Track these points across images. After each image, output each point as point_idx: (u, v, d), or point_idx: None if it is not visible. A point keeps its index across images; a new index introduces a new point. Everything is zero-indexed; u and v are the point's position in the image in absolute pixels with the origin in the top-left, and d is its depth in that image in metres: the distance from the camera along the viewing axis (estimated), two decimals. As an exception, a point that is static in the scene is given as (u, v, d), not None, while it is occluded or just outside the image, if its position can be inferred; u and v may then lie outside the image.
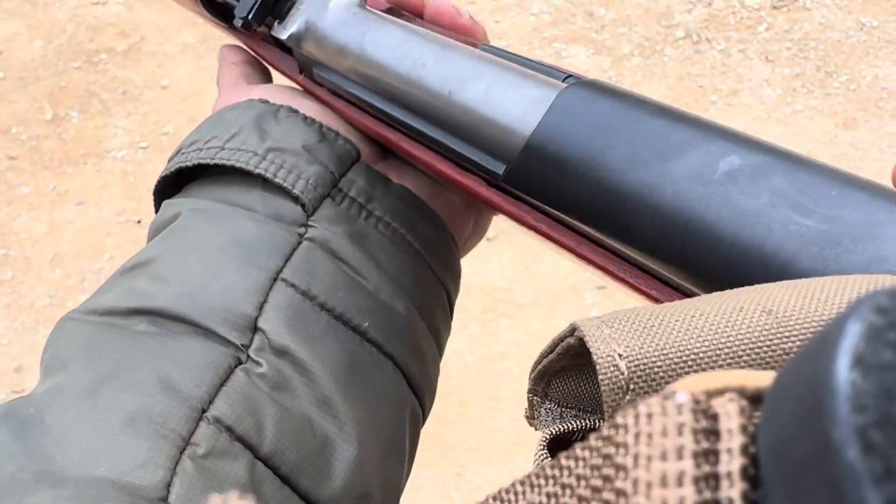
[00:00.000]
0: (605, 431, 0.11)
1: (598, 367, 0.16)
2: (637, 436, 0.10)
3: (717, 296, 0.17)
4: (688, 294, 0.24)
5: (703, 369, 0.16)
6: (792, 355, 0.13)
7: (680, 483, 0.10)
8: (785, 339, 0.15)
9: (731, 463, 0.10)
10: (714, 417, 0.10)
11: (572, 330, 0.18)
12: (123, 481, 0.27)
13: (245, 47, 0.45)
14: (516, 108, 0.29)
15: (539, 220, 0.30)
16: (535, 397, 0.22)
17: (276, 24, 0.41)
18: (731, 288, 0.22)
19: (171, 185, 0.39)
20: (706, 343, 0.16)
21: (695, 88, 1.68)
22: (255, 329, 0.32)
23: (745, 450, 0.10)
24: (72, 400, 0.29)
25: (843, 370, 0.09)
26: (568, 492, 0.11)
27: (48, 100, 1.77)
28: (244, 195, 0.36)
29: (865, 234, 0.20)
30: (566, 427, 0.21)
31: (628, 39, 1.79)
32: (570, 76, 0.30)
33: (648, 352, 0.16)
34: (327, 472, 0.31)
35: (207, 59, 1.81)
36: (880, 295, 0.09)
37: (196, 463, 0.28)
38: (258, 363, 0.31)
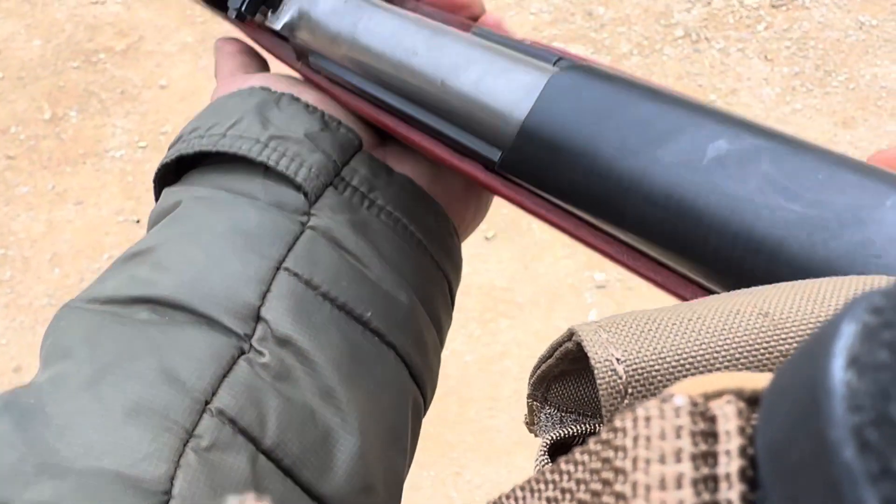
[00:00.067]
0: (603, 435, 0.11)
1: (596, 371, 0.16)
2: (635, 439, 0.10)
3: (713, 299, 0.17)
4: (685, 276, 0.24)
5: (701, 372, 0.16)
6: (789, 356, 0.13)
7: (679, 485, 0.10)
8: (781, 342, 0.15)
9: (730, 465, 0.10)
10: (712, 420, 0.10)
11: (570, 335, 0.18)
12: (127, 474, 0.27)
13: (243, 36, 0.45)
14: (508, 95, 0.29)
15: (538, 204, 0.30)
16: (535, 402, 0.22)
17: (269, 13, 0.41)
18: (726, 272, 0.22)
19: (172, 172, 0.39)
20: (703, 346, 0.16)
21: (694, 87, 1.69)
22: (257, 318, 0.32)
23: (743, 451, 0.10)
24: (73, 390, 0.29)
25: (839, 370, 0.09)
26: (568, 496, 0.11)
27: (47, 99, 1.77)
28: (246, 183, 0.35)
29: (852, 218, 0.20)
30: (566, 432, 0.21)
31: (627, 38, 1.79)
32: (560, 59, 0.30)
33: (646, 356, 0.16)
34: (329, 464, 0.31)
35: (206, 59, 1.81)
36: (875, 295, 0.09)
37: (200, 456, 0.28)
38: (261, 353, 0.31)
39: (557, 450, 0.21)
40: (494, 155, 0.30)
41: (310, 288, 0.33)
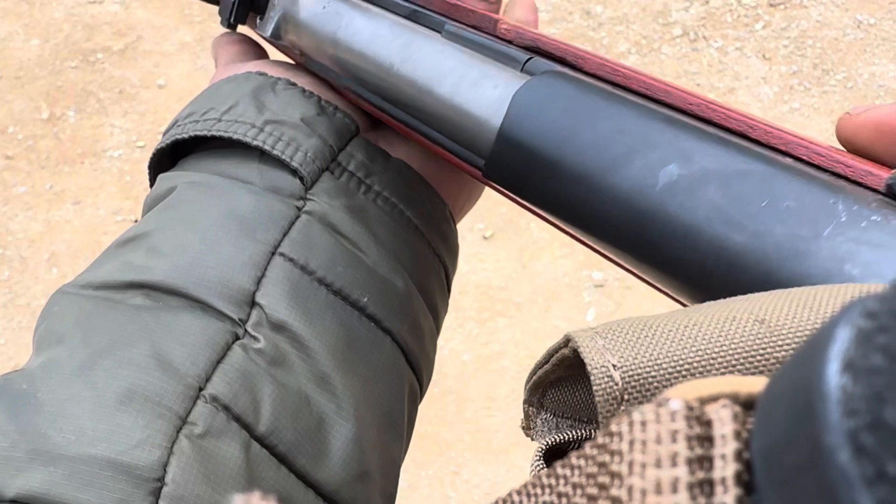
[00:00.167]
0: (599, 440, 0.11)
1: (592, 377, 0.16)
2: (631, 443, 0.10)
3: (708, 305, 0.17)
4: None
5: (697, 378, 0.16)
6: (785, 361, 0.13)
7: (675, 490, 0.10)
8: (778, 348, 0.15)
9: (726, 469, 0.10)
10: (707, 424, 0.10)
11: (566, 341, 0.18)
12: (119, 460, 0.27)
13: (244, 29, 0.46)
14: (481, 110, 0.30)
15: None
16: (531, 408, 0.22)
17: (258, 19, 0.41)
18: (690, 294, 0.23)
19: (167, 158, 0.38)
20: (699, 352, 0.16)
21: (692, 87, 1.68)
22: (252, 304, 0.31)
23: (738, 455, 0.10)
24: (66, 376, 0.29)
25: (834, 375, 0.09)
26: (564, 500, 0.11)
27: (45, 99, 1.77)
28: (241, 168, 0.35)
29: (791, 251, 0.20)
30: (562, 437, 0.21)
31: (625, 37, 1.79)
32: (530, 58, 0.29)
33: (642, 362, 0.16)
34: (325, 451, 0.31)
35: (204, 59, 1.81)
36: (869, 300, 0.09)
37: (193, 443, 0.28)
38: (256, 338, 0.31)
39: (553, 454, 0.21)
40: (479, 162, 0.30)
41: (305, 273, 0.33)
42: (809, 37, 1.74)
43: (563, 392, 0.22)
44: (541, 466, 0.20)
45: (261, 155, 0.35)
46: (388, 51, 0.34)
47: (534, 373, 0.21)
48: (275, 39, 0.41)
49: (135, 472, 0.27)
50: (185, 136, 0.36)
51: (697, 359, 0.16)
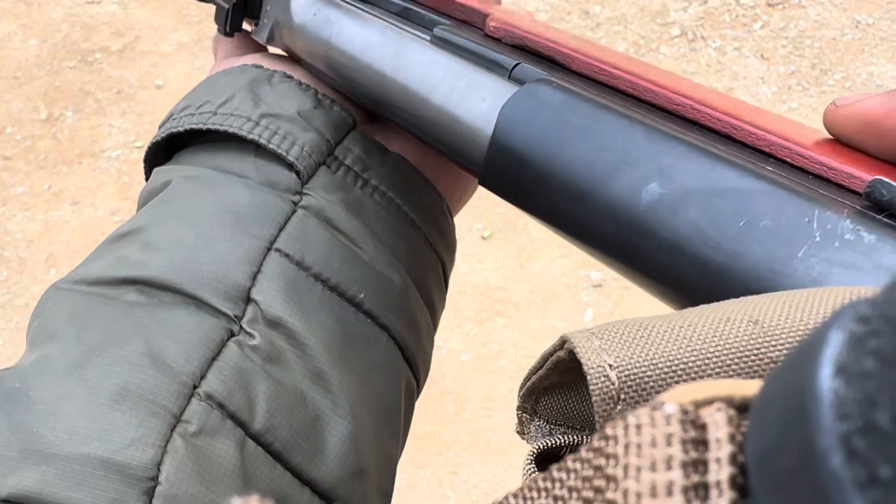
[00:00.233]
0: (595, 443, 0.11)
1: (589, 377, 0.16)
2: (626, 447, 0.10)
3: (703, 307, 0.17)
4: None
5: (693, 379, 0.16)
6: (778, 364, 0.13)
7: (669, 493, 0.10)
8: (771, 348, 0.15)
9: (720, 472, 0.10)
10: (702, 427, 0.10)
11: (562, 343, 0.18)
12: (113, 460, 0.27)
13: (246, 24, 0.46)
14: (472, 121, 0.30)
15: None
16: (525, 414, 0.22)
17: (253, 26, 0.41)
18: (679, 303, 0.23)
19: (162, 151, 0.38)
20: (695, 353, 0.16)
21: (690, 86, 1.69)
22: (248, 300, 0.31)
23: (733, 459, 0.10)
24: (59, 374, 0.29)
25: (826, 379, 0.09)
26: (560, 504, 0.11)
27: (43, 99, 1.77)
28: (237, 162, 0.35)
29: (767, 272, 0.20)
30: (554, 442, 0.21)
31: (623, 37, 1.79)
32: (518, 64, 0.30)
33: (638, 362, 0.16)
34: (320, 448, 0.31)
35: (202, 59, 1.81)
36: (861, 304, 0.09)
37: (187, 441, 0.28)
38: (251, 335, 0.31)
39: (546, 458, 0.21)
40: (474, 167, 0.31)
41: (301, 269, 0.32)
42: (808, 37, 1.75)
43: (557, 399, 0.22)
44: (532, 471, 0.20)
45: (256, 149, 0.35)
46: (379, 60, 0.34)
47: (528, 379, 0.21)
48: (270, 45, 0.41)
49: (128, 472, 0.27)
50: (181, 129, 0.36)
51: (693, 359, 0.16)
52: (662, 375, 0.16)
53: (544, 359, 0.19)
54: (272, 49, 0.44)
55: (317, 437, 0.31)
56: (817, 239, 0.20)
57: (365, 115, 0.39)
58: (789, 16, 1.79)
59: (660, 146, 0.24)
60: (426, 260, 0.38)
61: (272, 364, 0.30)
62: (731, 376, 0.15)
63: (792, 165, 0.23)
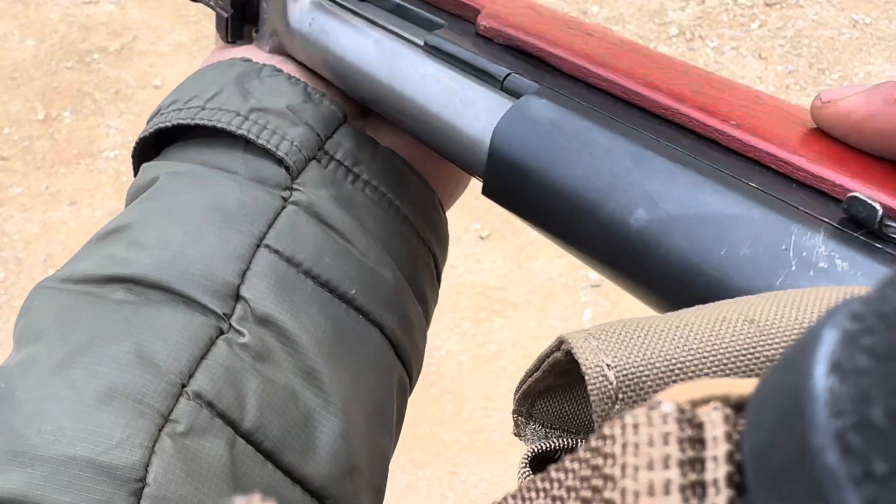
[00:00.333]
0: (593, 443, 0.11)
1: (586, 377, 0.16)
2: (624, 446, 0.10)
3: (700, 307, 0.17)
4: None
5: (690, 378, 0.16)
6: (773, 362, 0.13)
7: (667, 491, 0.10)
8: (767, 347, 0.16)
9: (717, 470, 0.10)
10: (699, 426, 0.10)
11: (559, 344, 0.18)
12: (100, 461, 0.26)
13: None
14: (468, 137, 0.31)
15: None
16: (520, 418, 0.22)
17: (254, 33, 0.41)
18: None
19: (151, 147, 0.38)
20: (691, 352, 0.16)
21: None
22: (237, 297, 0.31)
23: (730, 457, 0.10)
24: (45, 374, 0.28)
25: (821, 376, 0.09)
26: (559, 504, 0.11)
27: (40, 100, 1.77)
28: (226, 157, 0.34)
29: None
30: (549, 445, 0.21)
31: (621, 37, 1.79)
32: (508, 75, 0.30)
33: (636, 362, 0.16)
34: (312, 446, 0.30)
35: (200, 59, 1.81)
36: (854, 302, 0.09)
37: (176, 441, 0.27)
38: (240, 333, 0.30)
39: (541, 461, 0.21)
40: (480, 177, 0.31)
41: (291, 265, 0.32)
42: (805, 36, 1.75)
43: (552, 402, 0.22)
44: (527, 473, 0.20)
45: (245, 144, 0.35)
46: (376, 71, 0.35)
47: (523, 382, 0.21)
48: (274, 54, 0.41)
49: (115, 473, 0.26)
50: (168, 124, 0.35)
51: (690, 358, 0.16)
52: (660, 375, 0.16)
53: (540, 361, 0.19)
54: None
55: (308, 435, 0.30)
56: (793, 268, 0.21)
57: (356, 109, 0.39)
58: (787, 15, 1.79)
59: (645, 169, 0.24)
60: (418, 255, 0.37)
61: (262, 362, 0.30)
62: (727, 375, 0.16)
63: (776, 172, 0.23)
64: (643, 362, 0.16)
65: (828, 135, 0.24)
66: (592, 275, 1.39)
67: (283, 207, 0.33)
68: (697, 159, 0.24)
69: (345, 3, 0.38)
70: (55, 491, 0.26)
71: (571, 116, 0.27)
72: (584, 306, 1.36)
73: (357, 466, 0.32)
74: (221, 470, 0.28)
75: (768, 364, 0.15)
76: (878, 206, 0.20)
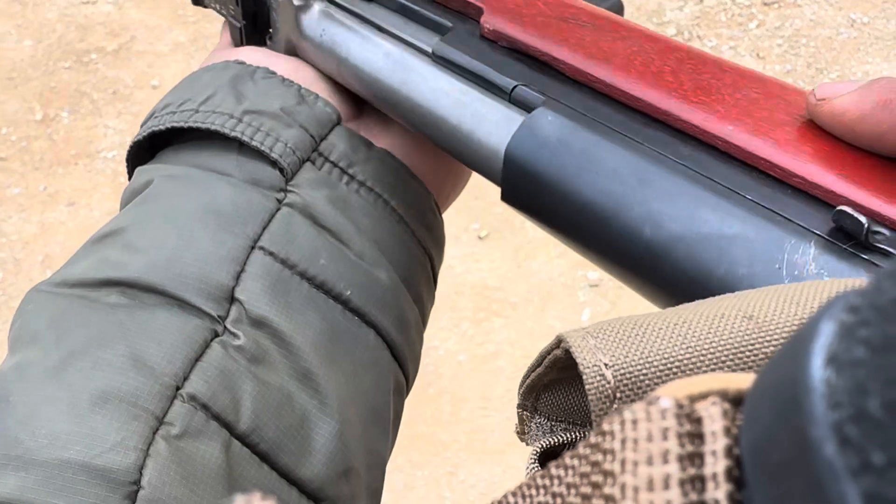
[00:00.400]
0: (592, 439, 0.11)
1: (584, 376, 0.16)
2: (623, 442, 0.10)
3: (698, 303, 0.17)
4: None
5: (688, 375, 0.16)
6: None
7: (666, 486, 0.10)
8: (766, 343, 0.16)
9: (716, 465, 0.10)
10: (698, 421, 0.10)
11: (558, 342, 0.18)
12: (94, 464, 0.26)
13: None
14: (484, 151, 0.32)
15: None
16: (525, 412, 0.23)
17: (268, 40, 0.42)
18: None
19: (145, 150, 0.38)
20: (690, 349, 0.16)
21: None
22: (231, 299, 0.31)
23: (729, 451, 0.10)
24: (39, 378, 0.28)
25: (818, 368, 0.09)
26: (559, 500, 0.11)
27: (38, 100, 1.77)
28: (219, 160, 0.34)
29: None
30: (557, 440, 0.21)
31: (619, 37, 1.79)
32: (517, 86, 0.31)
33: (633, 360, 0.16)
34: (308, 448, 0.30)
35: (198, 59, 1.81)
36: (851, 294, 0.09)
37: (170, 444, 0.27)
38: (235, 335, 0.30)
39: (548, 457, 0.21)
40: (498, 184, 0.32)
41: (286, 267, 0.32)
42: (803, 35, 1.75)
43: (557, 395, 0.22)
44: (536, 469, 0.20)
45: (239, 146, 0.35)
46: (389, 85, 0.35)
47: (527, 376, 0.21)
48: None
49: (110, 476, 0.26)
50: (162, 127, 0.35)
51: (688, 356, 0.16)
52: (658, 373, 0.16)
53: (542, 357, 0.19)
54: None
55: (304, 437, 0.30)
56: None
57: (350, 110, 0.39)
58: (785, 15, 1.79)
59: (649, 189, 0.26)
60: (414, 256, 0.37)
61: (257, 364, 0.30)
62: (726, 372, 0.16)
63: (771, 177, 0.25)
64: (641, 361, 0.16)
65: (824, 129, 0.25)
66: (591, 275, 1.39)
67: (278, 209, 0.33)
68: (698, 172, 0.26)
69: (351, 7, 0.38)
70: (49, 495, 0.26)
71: (578, 133, 0.28)
72: (583, 306, 1.36)
73: (353, 468, 0.32)
74: (217, 472, 0.28)
75: (767, 360, 0.15)
76: (863, 220, 0.21)
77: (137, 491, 0.26)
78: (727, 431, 0.10)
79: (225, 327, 0.30)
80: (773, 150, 0.25)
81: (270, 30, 0.42)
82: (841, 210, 0.22)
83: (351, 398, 0.32)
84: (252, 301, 0.31)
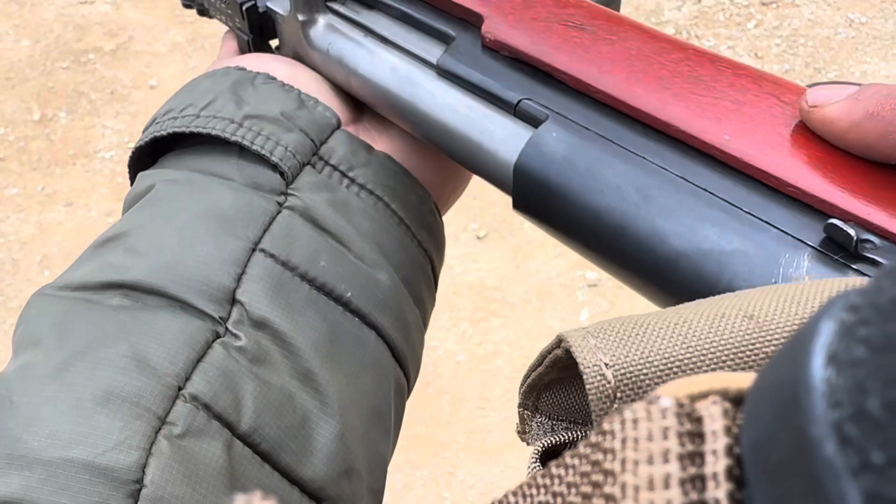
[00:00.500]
0: (592, 438, 0.11)
1: (585, 376, 0.16)
2: (624, 441, 0.10)
3: (699, 303, 0.17)
4: None
5: (688, 375, 0.16)
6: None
7: (667, 485, 0.10)
8: (767, 343, 0.16)
9: (717, 464, 0.10)
10: (698, 420, 0.10)
11: (559, 342, 0.18)
12: (96, 463, 0.26)
13: None
14: (494, 165, 0.33)
15: None
16: (526, 411, 0.23)
17: (275, 51, 0.43)
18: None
19: (147, 156, 0.38)
20: (690, 349, 0.16)
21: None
22: (233, 301, 0.31)
23: (729, 451, 0.10)
24: (42, 378, 0.28)
25: (818, 368, 0.09)
26: (559, 500, 0.11)
27: (36, 100, 1.76)
28: (221, 164, 0.35)
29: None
30: (558, 439, 0.21)
31: (617, 37, 1.79)
32: (521, 100, 0.32)
33: (634, 360, 0.16)
34: (309, 448, 0.31)
35: (196, 59, 1.81)
36: (851, 294, 0.09)
37: (172, 443, 0.28)
38: (237, 336, 0.30)
39: (549, 457, 0.21)
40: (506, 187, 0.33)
41: (287, 269, 0.32)
42: (801, 35, 1.75)
43: (558, 394, 0.22)
44: (537, 469, 0.20)
45: (240, 151, 0.35)
46: (397, 100, 0.36)
47: (528, 376, 0.21)
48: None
49: (112, 475, 0.26)
50: (164, 133, 0.36)
51: (688, 355, 0.16)
52: (658, 373, 0.16)
53: (542, 356, 0.19)
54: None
55: (305, 437, 0.31)
56: None
57: (350, 114, 0.39)
58: (783, 14, 1.79)
59: (652, 206, 0.27)
60: (414, 258, 0.37)
61: (259, 365, 0.30)
62: (727, 371, 0.16)
63: (766, 185, 0.25)
64: (641, 360, 0.16)
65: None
66: (590, 275, 1.39)
67: (279, 212, 0.34)
68: (697, 186, 0.27)
69: (355, 17, 0.39)
70: (53, 493, 0.26)
71: (582, 150, 0.29)
72: (582, 306, 1.37)
73: (355, 468, 0.32)
74: (219, 471, 0.28)
75: (768, 360, 0.15)
76: (852, 233, 0.22)
77: (140, 489, 0.27)
78: (728, 430, 0.10)
79: (226, 328, 0.31)
80: (769, 159, 0.25)
81: (278, 41, 0.42)
82: (831, 224, 0.23)
83: (352, 399, 0.33)
84: (253, 302, 0.31)
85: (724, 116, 0.27)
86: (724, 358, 0.16)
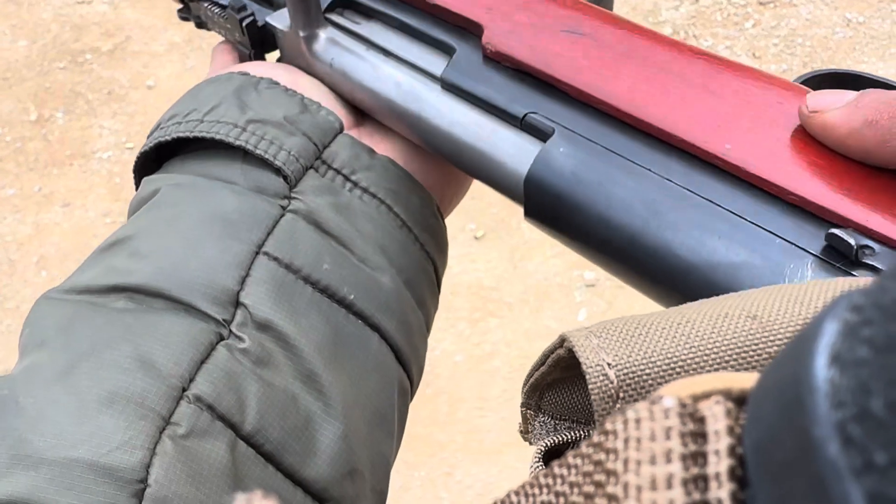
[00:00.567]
0: (595, 438, 0.11)
1: (587, 376, 0.16)
2: (626, 441, 0.10)
3: (701, 303, 0.17)
4: None
5: (691, 375, 0.16)
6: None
7: (669, 486, 0.10)
8: (770, 343, 0.16)
9: (719, 464, 0.10)
10: (701, 420, 0.10)
11: (561, 341, 0.18)
12: (101, 463, 0.27)
13: None
14: (504, 179, 0.33)
15: None
16: (529, 411, 0.23)
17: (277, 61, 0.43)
18: None
19: (152, 161, 0.38)
20: (693, 349, 0.16)
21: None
22: (236, 303, 0.31)
23: (732, 451, 0.10)
24: (47, 380, 0.29)
25: (822, 368, 0.09)
26: (562, 500, 0.11)
27: (33, 100, 1.76)
28: (225, 168, 0.35)
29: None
30: (561, 438, 0.21)
31: (615, 37, 1.79)
32: (525, 115, 0.32)
33: (636, 360, 0.16)
34: (312, 449, 0.31)
35: (194, 59, 1.80)
36: (855, 294, 0.09)
37: (176, 443, 0.28)
38: (240, 338, 0.31)
39: (552, 456, 0.21)
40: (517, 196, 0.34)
41: (290, 272, 0.33)
42: (799, 35, 1.75)
43: (560, 394, 0.22)
44: (539, 468, 0.20)
45: (244, 155, 0.35)
46: (404, 116, 0.37)
47: (530, 375, 0.21)
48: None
49: (117, 475, 0.27)
50: (168, 138, 0.36)
51: (691, 356, 0.16)
52: (661, 373, 0.16)
53: (545, 356, 0.19)
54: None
55: (308, 438, 0.31)
56: None
57: (353, 118, 0.39)
58: (781, 14, 1.80)
59: (660, 221, 0.27)
60: (417, 261, 0.38)
61: (262, 366, 0.31)
62: (730, 371, 0.16)
63: (769, 193, 0.26)
64: (644, 360, 0.16)
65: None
66: (587, 274, 1.39)
67: (282, 215, 0.34)
68: (703, 197, 0.27)
69: (355, 29, 0.39)
70: (58, 493, 0.26)
71: (589, 166, 0.30)
72: (580, 306, 1.37)
73: (358, 469, 0.32)
74: (222, 471, 0.28)
75: (771, 360, 0.15)
76: (852, 242, 0.23)
77: (144, 489, 0.27)
78: (730, 431, 0.10)
79: (230, 331, 0.31)
80: (770, 167, 0.26)
81: (279, 53, 0.42)
82: (832, 233, 0.23)
83: (355, 400, 0.33)
84: (257, 305, 0.31)
85: (724, 123, 0.27)
86: (726, 358, 0.16)
